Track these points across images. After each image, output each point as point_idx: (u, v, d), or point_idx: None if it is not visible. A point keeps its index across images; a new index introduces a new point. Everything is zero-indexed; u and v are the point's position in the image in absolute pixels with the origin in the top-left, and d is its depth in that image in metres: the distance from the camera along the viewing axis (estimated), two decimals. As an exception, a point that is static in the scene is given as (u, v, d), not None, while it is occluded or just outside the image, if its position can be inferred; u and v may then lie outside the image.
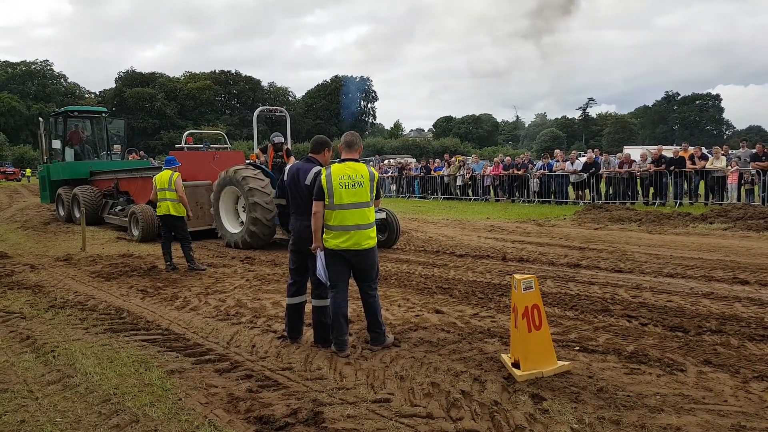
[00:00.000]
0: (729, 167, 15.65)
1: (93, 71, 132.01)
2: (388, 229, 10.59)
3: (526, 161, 21.18)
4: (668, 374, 4.12)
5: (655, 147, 19.47)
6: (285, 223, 5.10)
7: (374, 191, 4.69)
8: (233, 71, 78.19)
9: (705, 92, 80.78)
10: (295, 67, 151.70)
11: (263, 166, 11.27)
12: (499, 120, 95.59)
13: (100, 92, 76.68)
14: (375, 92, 79.09)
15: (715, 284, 7.02)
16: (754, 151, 15.88)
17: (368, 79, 75.34)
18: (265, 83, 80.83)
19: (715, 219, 12.75)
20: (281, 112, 14.14)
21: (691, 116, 77.88)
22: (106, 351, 4.93)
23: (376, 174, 4.74)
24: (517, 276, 4.22)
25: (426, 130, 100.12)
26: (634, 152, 19.71)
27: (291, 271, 5.09)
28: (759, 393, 3.73)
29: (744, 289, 6.75)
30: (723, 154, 16.12)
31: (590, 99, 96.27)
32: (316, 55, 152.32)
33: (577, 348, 4.76)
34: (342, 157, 4.79)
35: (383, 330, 4.86)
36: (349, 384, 4.07)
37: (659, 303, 6.16)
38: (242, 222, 11.12)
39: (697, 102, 79.33)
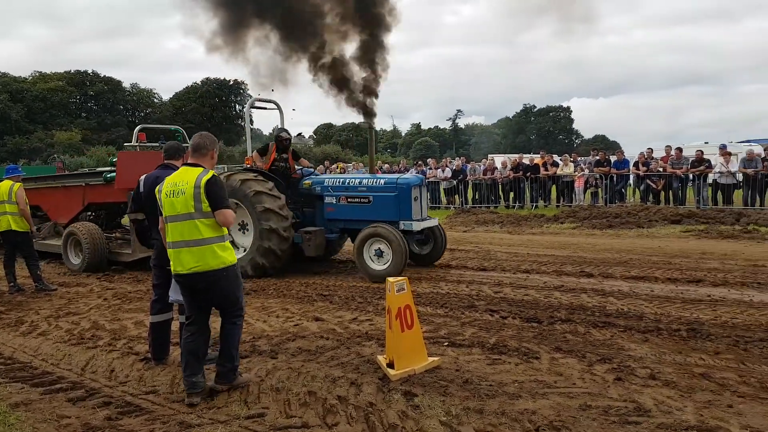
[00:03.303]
0: (576, 172, 17.40)
1: None
2: (434, 241, 8.89)
3: (403, 168, 21.93)
4: (525, 362, 4.46)
5: (516, 155, 21.15)
6: (143, 239, 4.73)
7: (203, 201, 3.82)
8: (90, 71, 72.04)
9: (558, 104, 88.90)
10: (165, 68, 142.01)
11: (276, 177, 8.86)
12: (377, 129, 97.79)
13: (-76, 94, 66.77)
14: (251, 96, 76.72)
15: (564, 278, 7.76)
16: (597, 157, 17.83)
17: (243, 82, 72.86)
18: (127, 84, 75.45)
19: (565, 219, 14.09)
20: (273, 105, 10.67)
21: (546, 126, 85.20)
22: (-69, 388, 4.29)
23: (204, 181, 3.83)
24: (390, 279, 4.34)
25: (307, 137, 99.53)
26: (498, 160, 21.21)
27: (154, 287, 4.78)
28: (602, 374, 4.17)
29: (589, 281, 7.52)
30: (571, 161, 17.90)
31: (459, 110, 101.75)
32: (190, 56, 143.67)
33: (446, 343, 5.00)
34: (187, 162, 4.17)
35: (235, 365, 4.09)
36: (221, 402, 3.92)
37: (517, 297, 6.67)
38: (236, 243, 8.87)
39: (551, 114, 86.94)
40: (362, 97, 9.11)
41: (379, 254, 7.89)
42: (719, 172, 15.09)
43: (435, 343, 5.01)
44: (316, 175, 9.71)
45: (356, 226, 8.35)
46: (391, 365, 4.27)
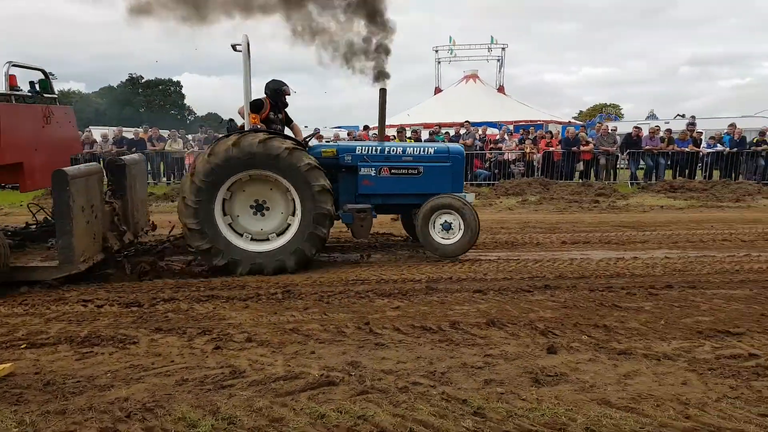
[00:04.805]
0: (186, 149, 17.22)
1: None
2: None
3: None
4: (121, 349, 4.13)
5: (117, 128, 19.56)
6: None
7: None
8: None
9: (168, 78, 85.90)
10: None
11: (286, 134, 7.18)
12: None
13: None
14: None
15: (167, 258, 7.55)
16: (206, 135, 18.06)
17: None
18: None
19: (175, 197, 13.77)
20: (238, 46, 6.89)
21: (156, 100, 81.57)
22: None
23: None
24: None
25: None
26: (97, 132, 19.19)
27: None
28: (201, 347, 4.18)
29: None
30: (179, 137, 17.61)
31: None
32: None
33: (23, 345, 4.22)
34: None
35: None
36: None
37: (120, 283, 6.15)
38: (247, 230, 6.76)
39: (160, 87, 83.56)
40: (376, 55, 7.66)
41: (447, 227, 7.14)
42: (312, 152, 17.29)
43: (10, 348, 4.18)
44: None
45: (399, 201, 7.53)
46: (-66, 386, 3.32)
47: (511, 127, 22.90)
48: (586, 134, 18.35)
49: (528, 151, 17.17)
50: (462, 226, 7.13)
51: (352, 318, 4.82)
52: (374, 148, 7.46)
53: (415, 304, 5.27)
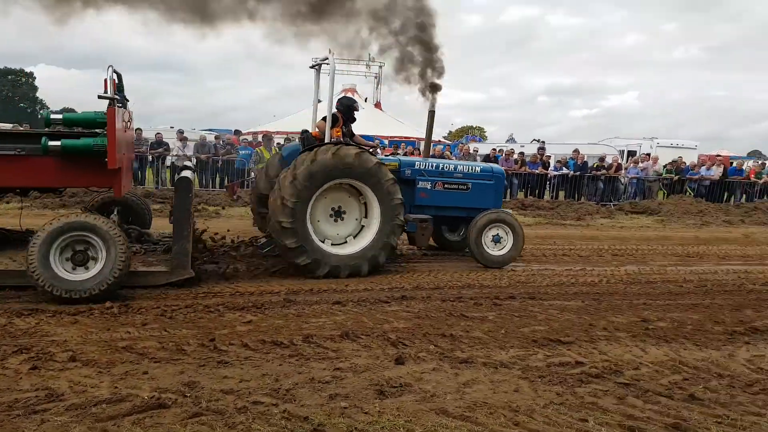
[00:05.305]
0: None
1: None
2: (465, 230, 8.24)
3: None
4: None
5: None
6: None
7: None
8: None
9: (19, 68, 77.01)
10: None
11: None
12: None
13: None
14: None
15: None
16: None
17: None
18: None
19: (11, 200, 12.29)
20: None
21: (4, 91, 73.00)
22: None
23: None
24: None
25: None
26: None
27: None
28: (15, 367, 3.69)
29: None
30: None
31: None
32: None
33: None
34: None
35: None
36: None
37: None
38: (325, 235, 7.13)
39: (9, 77, 74.93)
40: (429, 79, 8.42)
41: (497, 240, 7.78)
42: (176, 155, 16.34)
43: None
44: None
45: (450, 213, 8.16)
46: None
47: (386, 141, 23.47)
48: (450, 153, 19.30)
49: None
50: (512, 240, 7.84)
51: (196, 334, 4.53)
52: (431, 163, 8.20)
53: (269, 318, 5.11)
